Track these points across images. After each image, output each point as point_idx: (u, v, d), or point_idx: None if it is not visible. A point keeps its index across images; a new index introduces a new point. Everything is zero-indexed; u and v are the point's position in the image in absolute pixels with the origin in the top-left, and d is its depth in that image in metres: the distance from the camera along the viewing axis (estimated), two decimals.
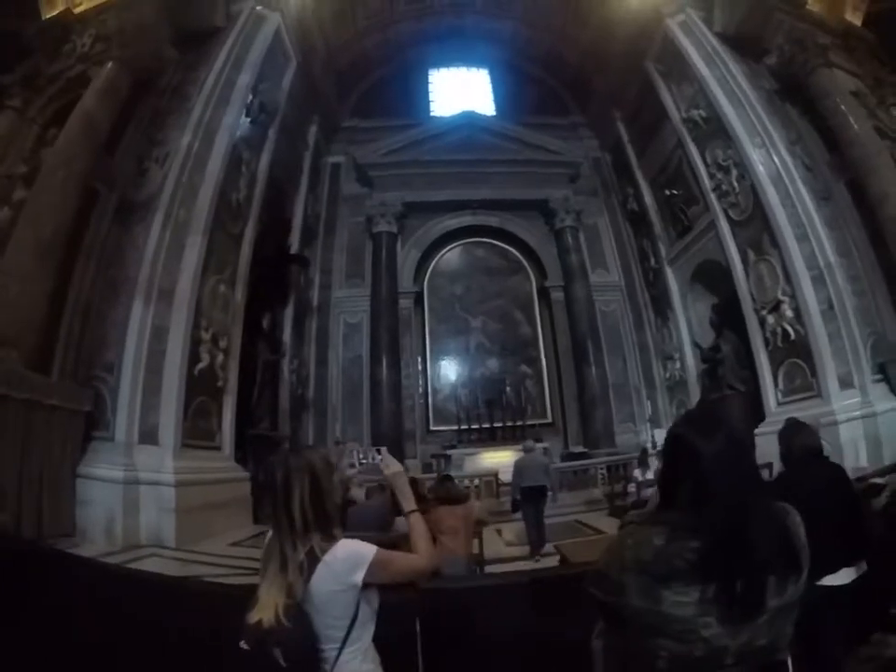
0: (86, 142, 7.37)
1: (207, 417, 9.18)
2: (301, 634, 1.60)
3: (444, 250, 15.59)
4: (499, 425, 13.85)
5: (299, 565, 1.64)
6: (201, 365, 9.04)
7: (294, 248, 13.48)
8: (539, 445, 13.01)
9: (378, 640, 1.77)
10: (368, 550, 1.70)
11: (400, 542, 3.07)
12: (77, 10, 7.74)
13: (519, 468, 8.01)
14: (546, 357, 14.89)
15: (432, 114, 16.20)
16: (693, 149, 11.38)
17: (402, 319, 14.74)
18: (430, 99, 16.45)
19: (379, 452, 2.14)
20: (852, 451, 8.19)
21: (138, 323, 8.24)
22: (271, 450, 11.39)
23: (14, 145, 7.38)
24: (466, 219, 15.41)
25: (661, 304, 13.89)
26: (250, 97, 10.01)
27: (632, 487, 9.32)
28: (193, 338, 8.82)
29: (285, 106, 11.43)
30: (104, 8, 7.72)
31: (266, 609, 1.59)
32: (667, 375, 13.82)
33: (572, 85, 15.13)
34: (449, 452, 13.16)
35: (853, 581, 2.72)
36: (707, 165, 11.12)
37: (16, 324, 6.71)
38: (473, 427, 13.89)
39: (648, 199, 13.76)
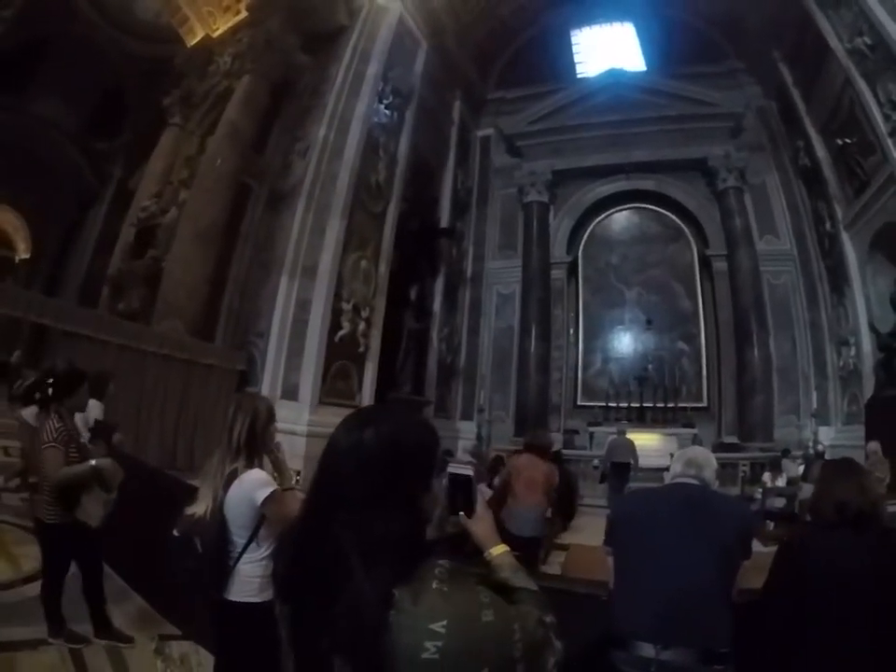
0: (232, 147, 8.83)
1: (347, 379, 10.33)
2: (216, 530, 2.15)
3: (598, 218, 15.04)
4: (650, 405, 13.13)
5: (224, 477, 2.19)
6: (342, 332, 10.10)
7: (444, 222, 14.13)
8: (689, 431, 12.44)
9: None
10: (272, 484, 2.20)
11: None
12: (216, 34, 9.21)
13: (611, 446, 9.80)
14: (706, 334, 13.60)
15: (579, 76, 15.55)
16: (862, 86, 9.48)
17: (555, 290, 14.60)
18: (575, 61, 15.76)
19: None
20: None
21: (284, 296, 9.57)
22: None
23: (179, 155, 9.13)
24: (619, 184, 14.62)
25: (837, 277, 11.69)
26: (381, 85, 10.77)
27: (758, 493, 8.48)
28: (334, 308, 9.81)
29: (421, 88, 12.03)
30: (237, 29, 9.08)
31: (199, 506, 2.19)
32: (841, 363, 11.61)
33: (725, 27, 13.30)
34: (592, 430, 12.98)
35: None
36: (880, 105, 9.18)
37: (180, 300, 8.43)
38: (622, 405, 13.32)
39: (820, 151, 11.64)
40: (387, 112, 11.27)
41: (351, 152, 10.28)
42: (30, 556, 4.25)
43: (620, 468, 9.39)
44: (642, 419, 13.07)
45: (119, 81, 11.86)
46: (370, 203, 10.95)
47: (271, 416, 2.37)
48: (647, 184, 14.53)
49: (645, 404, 13.20)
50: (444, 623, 0.79)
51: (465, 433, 13.69)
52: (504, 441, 12.53)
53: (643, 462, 10.48)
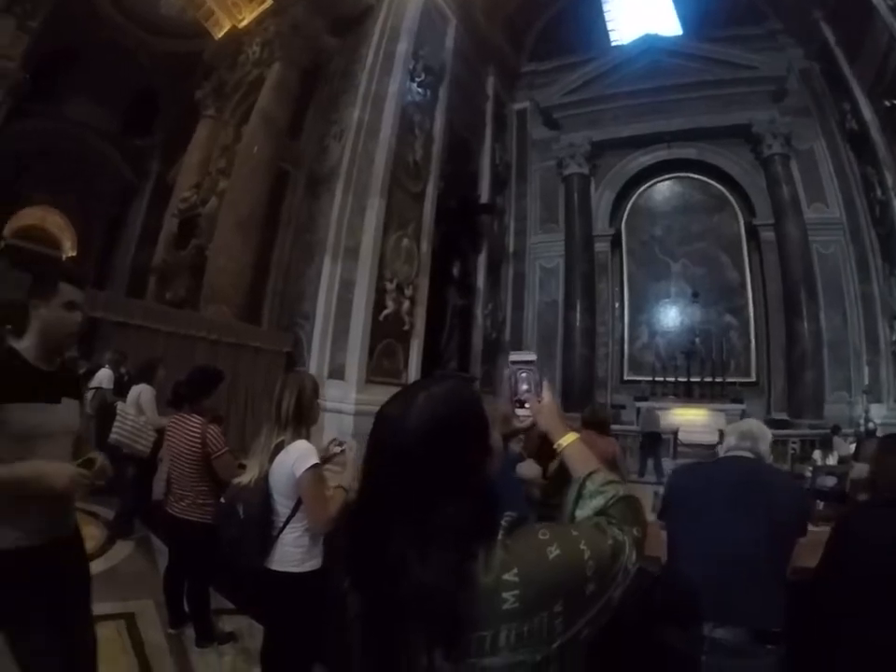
0: (266, 134, 8.93)
1: (393, 357, 10.36)
2: (260, 498, 2.26)
3: (640, 189, 14.66)
4: (697, 379, 12.84)
5: (271, 448, 2.30)
6: (386, 311, 10.08)
7: (484, 198, 13.98)
8: (738, 406, 12.21)
9: None
10: (315, 458, 2.26)
11: None
12: (242, 25, 9.27)
13: (644, 418, 11.41)
14: (755, 306, 13.14)
15: (613, 44, 15.03)
16: None
17: (598, 263, 14.37)
18: (609, 28, 15.23)
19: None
20: None
21: (328, 278, 9.64)
22: None
23: (215, 146, 9.27)
24: (660, 154, 14.16)
25: (889, 247, 10.97)
26: (412, 63, 10.65)
27: (808, 471, 8.17)
28: (378, 288, 9.82)
29: (453, 65, 11.86)
30: (263, 17, 9.11)
31: (246, 476, 2.33)
32: (894, 338, 10.99)
33: None
34: (640, 404, 12.74)
35: None
36: None
37: (225, 286, 8.62)
38: (669, 379, 13.10)
39: (867, 113, 10.93)
40: (420, 90, 11.14)
41: (386, 132, 10.21)
42: None
43: (650, 437, 10.88)
44: (689, 394, 12.82)
45: (150, 79, 12.13)
46: (408, 183, 10.87)
47: (316, 391, 2.45)
48: (688, 152, 14.03)
49: (692, 379, 12.91)
50: (515, 570, 0.80)
51: None
52: None
53: (690, 438, 10.54)
